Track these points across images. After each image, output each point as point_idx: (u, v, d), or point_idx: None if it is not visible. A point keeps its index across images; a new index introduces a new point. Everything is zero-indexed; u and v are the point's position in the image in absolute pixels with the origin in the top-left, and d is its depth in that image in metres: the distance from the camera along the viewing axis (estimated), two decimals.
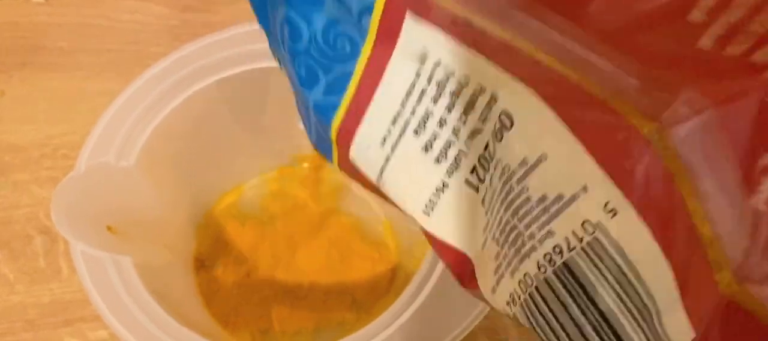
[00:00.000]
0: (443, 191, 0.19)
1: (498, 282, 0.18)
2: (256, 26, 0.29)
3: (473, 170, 0.18)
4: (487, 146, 0.17)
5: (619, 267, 0.14)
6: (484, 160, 0.18)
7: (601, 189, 0.14)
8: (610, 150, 0.14)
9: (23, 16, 0.41)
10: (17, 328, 0.33)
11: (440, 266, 0.25)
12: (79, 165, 0.27)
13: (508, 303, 0.18)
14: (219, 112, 0.30)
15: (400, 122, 0.19)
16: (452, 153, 0.18)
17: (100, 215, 0.27)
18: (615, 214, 0.14)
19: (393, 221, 0.35)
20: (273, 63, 0.28)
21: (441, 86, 0.17)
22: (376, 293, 0.33)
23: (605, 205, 0.14)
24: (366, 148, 0.20)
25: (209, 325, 0.32)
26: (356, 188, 0.36)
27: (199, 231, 0.34)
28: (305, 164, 0.36)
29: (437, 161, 0.19)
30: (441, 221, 0.20)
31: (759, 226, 0.11)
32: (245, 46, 0.29)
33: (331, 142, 0.22)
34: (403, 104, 0.19)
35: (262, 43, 0.29)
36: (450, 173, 0.19)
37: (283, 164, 0.36)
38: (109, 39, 0.41)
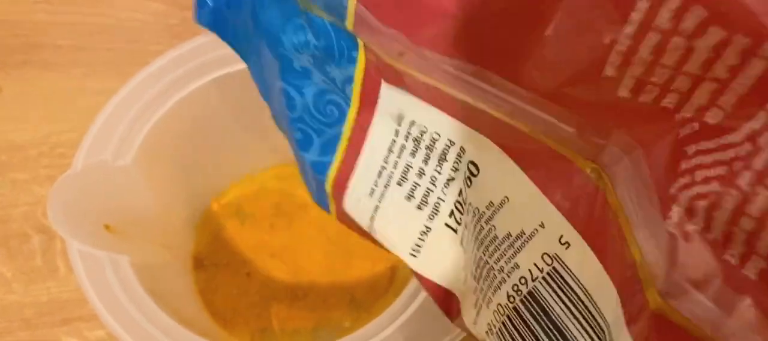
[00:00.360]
0: (427, 235, 0.21)
1: (478, 314, 0.20)
2: None
3: (451, 214, 0.20)
4: (461, 192, 0.20)
5: (575, 293, 0.16)
6: (460, 204, 0.20)
7: (556, 224, 0.16)
8: (561, 190, 0.16)
9: (22, 13, 0.41)
10: (14, 327, 0.33)
11: None
12: (75, 164, 0.27)
13: (487, 333, 0.20)
14: (217, 110, 0.30)
15: (385, 175, 0.21)
16: (432, 200, 0.20)
17: (97, 214, 0.26)
18: (569, 246, 0.16)
19: None
20: None
21: (417, 141, 0.20)
22: (376, 292, 0.33)
23: (560, 238, 0.16)
24: (357, 200, 0.23)
25: (208, 325, 0.32)
26: None
27: (197, 230, 0.34)
28: None
29: (419, 207, 0.21)
30: (427, 262, 0.22)
31: (673, 248, 0.13)
32: None
33: (328, 196, 0.24)
34: (386, 159, 0.21)
35: None
36: (431, 218, 0.21)
37: (282, 163, 0.36)
38: (109, 37, 0.40)
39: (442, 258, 0.22)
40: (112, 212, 0.27)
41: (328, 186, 0.23)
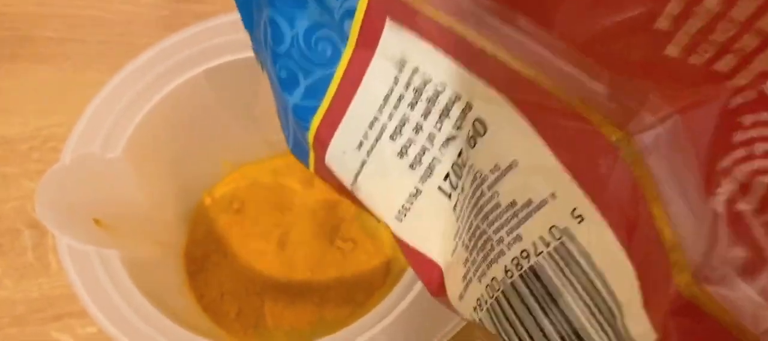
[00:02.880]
0: (416, 198, 0.20)
1: (466, 288, 0.18)
2: None
3: (446, 176, 0.19)
4: (460, 153, 0.18)
5: (584, 271, 0.15)
6: (457, 167, 0.18)
7: (569, 196, 0.15)
8: (579, 157, 0.15)
9: (11, 5, 0.40)
10: (4, 324, 0.32)
11: None
12: (64, 157, 0.26)
13: (474, 309, 0.18)
14: (208, 102, 0.30)
15: (377, 127, 0.19)
16: (427, 160, 0.19)
17: (87, 208, 0.26)
18: (582, 220, 0.15)
19: None
20: None
21: (418, 92, 0.18)
22: (371, 287, 0.33)
23: (572, 211, 0.15)
24: (342, 152, 0.21)
25: (201, 320, 0.31)
26: None
27: (189, 225, 0.34)
28: None
29: (412, 167, 0.19)
30: (413, 228, 0.20)
31: (716, 228, 0.12)
32: (234, 35, 0.28)
33: (308, 146, 0.22)
34: (380, 109, 0.19)
35: None
36: (424, 179, 0.19)
37: (276, 155, 0.36)
38: (99, 30, 0.40)
39: (429, 225, 0.20)
40: (102, 206, 0.27)
41: (311, 135, 0.21)
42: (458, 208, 0.19)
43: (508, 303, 0.17)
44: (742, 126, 0.12)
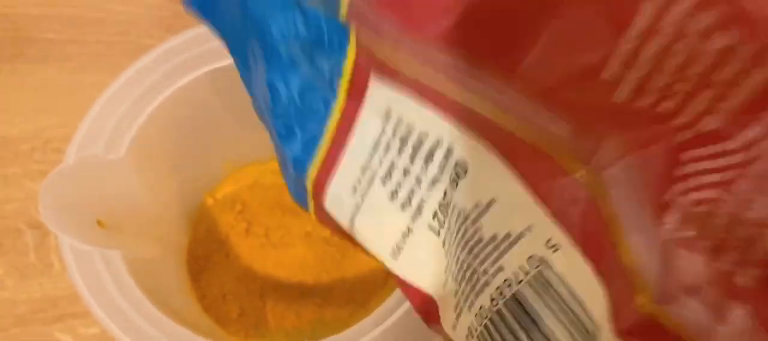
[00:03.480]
0: (408, 236, 0.21)
1: (458, 318, 0.20)
2: None
3: (434, 215, 0.20)
4: (445, 194, 0.19)
5: (561, 296, 0.16)
6: (443, 207, 0.19)
7: (544, 227, 0.16)
8: (551, 192, 0.16)
9: (12, 6, 0.40)
10: (7, 324, 0.32)
11: None
12: (67, 158, 0.26)
13: (467, 337, 0.19)
14: (211, 103, 0.30)
15: (369, 172, 0.21)
16: (416, 200, 0.20)
17: (90, 209, 0.26)
18: (557, 249, 0.16)
19: None
20: None
21: (403, 140, 0.19)
22: (372, 287, 0.33)
23: (548, 241, 0.16)
24: (339, 198, 0.22)
25: (202, 321, 0.31)
26: None
27: (191, 225, 0.34)
28: None
29: (402, 207, 0.20)
30: (407, 264, 0.22)
31: (667, 254, 0.13)
32: None
33: (307, 194, 0.24)
34: (371, 155, 0.20)
35: None
36: (414, 218, 0.20)
37: (276, 157, 0.36)
38: (100, 30, 0.40)
39: (423, 261, 0.21)
40: (105, 207, 0.27)
41: (309, 183, 0.23)
42: (446, 244, 0.20)
43: (496, 329, 0.18)
44: (681, 161, 0.13)
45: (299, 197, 0.25)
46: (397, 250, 0.22)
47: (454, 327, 0.20)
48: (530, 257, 0.17)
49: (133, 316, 0.24)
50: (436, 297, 0.21)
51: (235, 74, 0.29)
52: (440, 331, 0.22)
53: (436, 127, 0.18)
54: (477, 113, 0.17)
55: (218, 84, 0.29)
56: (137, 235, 0.29)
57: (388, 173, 0.20)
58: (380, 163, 0.20)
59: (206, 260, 0.33)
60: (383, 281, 0.33)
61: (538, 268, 0.16)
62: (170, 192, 0.32)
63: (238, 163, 0.35)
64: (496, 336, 0.18)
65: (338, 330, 0.31)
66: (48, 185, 0.24)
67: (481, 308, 0.18)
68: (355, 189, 0.22)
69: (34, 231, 0.34)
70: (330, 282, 0.33)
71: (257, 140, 0.34)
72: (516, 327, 0.17)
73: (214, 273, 0.33)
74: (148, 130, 0.27)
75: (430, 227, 0.20)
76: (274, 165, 0.36)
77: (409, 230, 0.21)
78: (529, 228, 0.17)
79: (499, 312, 0.18)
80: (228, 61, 0.28)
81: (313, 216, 0.25)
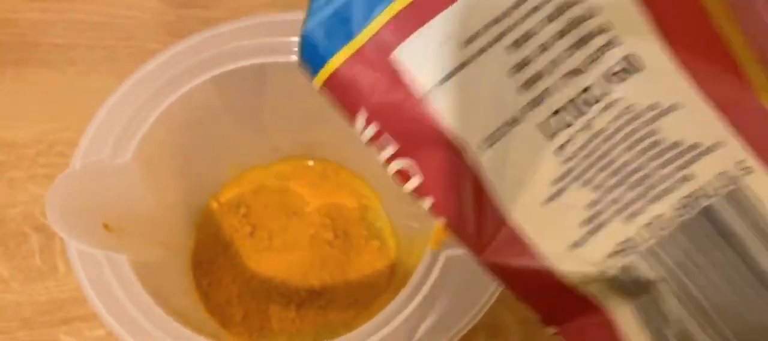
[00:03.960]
0: (512, 127, 0.17)
1: (594, 232, 0.17)
2: (253, 22, 0.29)
3: (557, 112, 0.17)
4: (587, 89, 0.17)
5: (763, 218, 0.16)
6: (577, 105, 0.17)
7: (734, 148, 0.16)
8: (743, 115, 0.16)
9: (17, 12, 0.41)
10: (12, 327, 0.33)
11: (440, 262, 0.25)
12: (74, 163, 0.26)
13: (613, 254, 0.17)
14: (216, 108, 0.30)
15: (497, 29, 0.17)
16: (541, 86, 0.17)
17: (96, 213, 0.26)
18: (751, 172, 0.16)
19: (393, 218, 0.35)
20: (270, 58, 0.28)
21: (561, 9, 0.16)
22: (376, 290, 0.33)
23: (740, 162, 0.16)
24: (439, 44, 0.17)
25: (207, 323, 0.31)
26: (358, 186, 0.36)
27: (196, 229, 0.34)
28: (310, 162, 0.36)
29: (521, 89, 0.17)
30: (493, 158, 0.18)
31: None
32: (242, 41, 0.29)
33: (360, 29, 0.18)
34: (508, 11, 0.17)
35: (259, 39, 0.29)
36: (530, 107, 0.17)
37: (281, 160, 0.36)
38: (104, 35, 0.40)
39: (518, 163, 0.18)
40: (111, 211, 0.27)
41: (386, 13, 0.18)
42: (572, 148, 0.17)
43: (686, 240, 0.16)
44: None
45: (330, 33, 0.19)
46: (491, 139, 0.18)
47: (575, 246, 0.17)
48: (721, 173, 0.16)
49: (140, 319, 0.25)
50: (518, 215, 0.18)
51: (240, 79, 0.29)
52: (529, 262, 0.18)
53: (617, 8, 0.16)
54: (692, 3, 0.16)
55: (223, 89, 0.29)
56: (143, 238, 0.29)
57: (522, 40, 0.17)
58: (517, 24, 0.17)
59: (211, 263, 0.33)
60: (387, 283, 0.33)
61: (732, 187, 0.16)
62: (175, 196, 0.32)
63: (243, 167, 0.35)
64: (682, 249, 0.17)
65: (341, 333, 0.31)
66: (55, 190, 0.24)
67: (657, 217, 0.17)
68: (469, 41, 0.17)
69: (39, 234, 0.35)
70: (333, 285, 0.33)
71: (261, 144, 0.35)
72: (707, 243, 0.16)
73: (218, 276, 0.33)
74: (153, 134, 0.28)
75: (543, 126, 0.17)
76: (279, 168, 0.36)
77: (514, 120, 0.17)
78: (717, 144, 0.16)
79: (686, 224, 0.16)
80: (233, 66, 0.28)
81: (347, 63, 0.19)
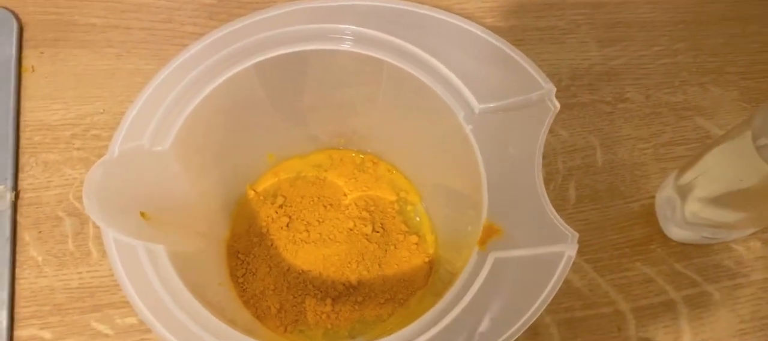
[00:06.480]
0: None
1: None
2: (294, 7, 0.28)
3: None
4: None
5: None
6: None
7: None
8: None
9: None
10: (45, 312, 0.32)
11: (489, 264, 0.24)
12: (112, 149, 0.26)
13: None
14: (257, 96, 0.29)
15: None
16: None
17: (133, 201, 0.26)
18: None
19: (431, 213, 0.34)
20: (312, 45, 0.27)
21: None
22: (413, 286, 0.32)
23: None
24: None
25: (241, 314, 0.31)
26: (396, 179, 0.34)
27: (232, 218, 0.33)
28: (349, 153, 0.35)
29: None
30: None
31: None
32: (284, 27, 0.28)
33: None
34: None
35: (301, 25, 0.28)
36: None
37: (319, 150, 0.35)
38: (143, 16, 0.39)
39: None
40: (148, 199, 0.26)
41: None
42: None
43: None
44: None
45: None
46: None
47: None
48: None
49: (174, 309, 0.24)
50: None
51: (281, 67, 0.28)
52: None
53: None
54: None
55: (264, 77, 0.28)
56: (179, 227, 0.28)
57: None
58: None
59: (246, 254, 0.33)
60: (424, 280, 0.32)
61: None
62: (213, 184, 0.31)
63: (281, 156, 0.35)
64: None
65: (378, 327, 0.30)
66: (92, 177, 0.24)
67: None
68: None
69: (72, 219, 0.34)
70: (370, 280, 0.32)
71: (301, 134, 0.34)
72: None
73: (253, 267, 0.32)
74: (194, 122, 0.27)
75: None
76: (316, 159, 0.35)
77: None
78: None
79: None
80: (274, 53, 0.27)
81: None
